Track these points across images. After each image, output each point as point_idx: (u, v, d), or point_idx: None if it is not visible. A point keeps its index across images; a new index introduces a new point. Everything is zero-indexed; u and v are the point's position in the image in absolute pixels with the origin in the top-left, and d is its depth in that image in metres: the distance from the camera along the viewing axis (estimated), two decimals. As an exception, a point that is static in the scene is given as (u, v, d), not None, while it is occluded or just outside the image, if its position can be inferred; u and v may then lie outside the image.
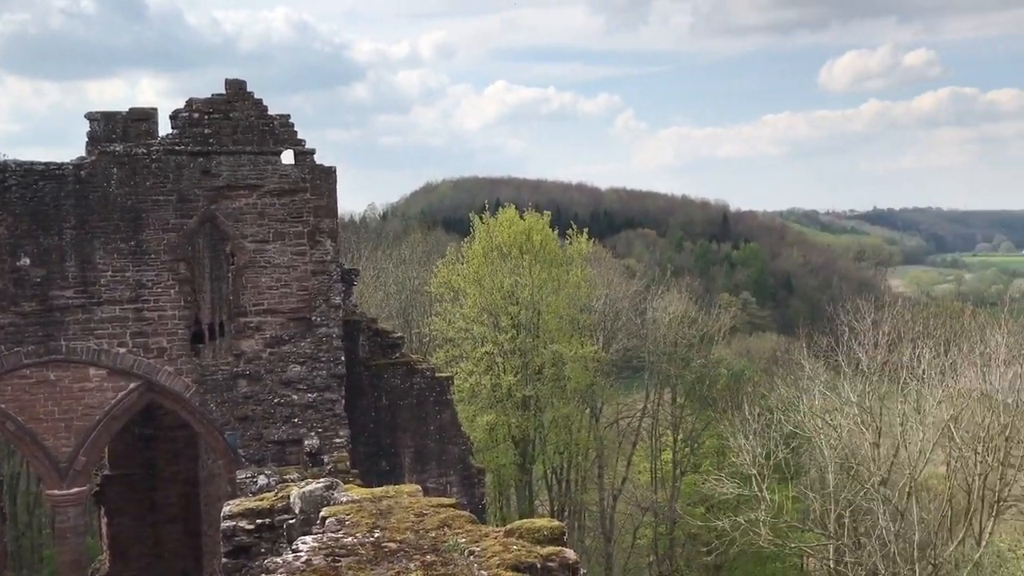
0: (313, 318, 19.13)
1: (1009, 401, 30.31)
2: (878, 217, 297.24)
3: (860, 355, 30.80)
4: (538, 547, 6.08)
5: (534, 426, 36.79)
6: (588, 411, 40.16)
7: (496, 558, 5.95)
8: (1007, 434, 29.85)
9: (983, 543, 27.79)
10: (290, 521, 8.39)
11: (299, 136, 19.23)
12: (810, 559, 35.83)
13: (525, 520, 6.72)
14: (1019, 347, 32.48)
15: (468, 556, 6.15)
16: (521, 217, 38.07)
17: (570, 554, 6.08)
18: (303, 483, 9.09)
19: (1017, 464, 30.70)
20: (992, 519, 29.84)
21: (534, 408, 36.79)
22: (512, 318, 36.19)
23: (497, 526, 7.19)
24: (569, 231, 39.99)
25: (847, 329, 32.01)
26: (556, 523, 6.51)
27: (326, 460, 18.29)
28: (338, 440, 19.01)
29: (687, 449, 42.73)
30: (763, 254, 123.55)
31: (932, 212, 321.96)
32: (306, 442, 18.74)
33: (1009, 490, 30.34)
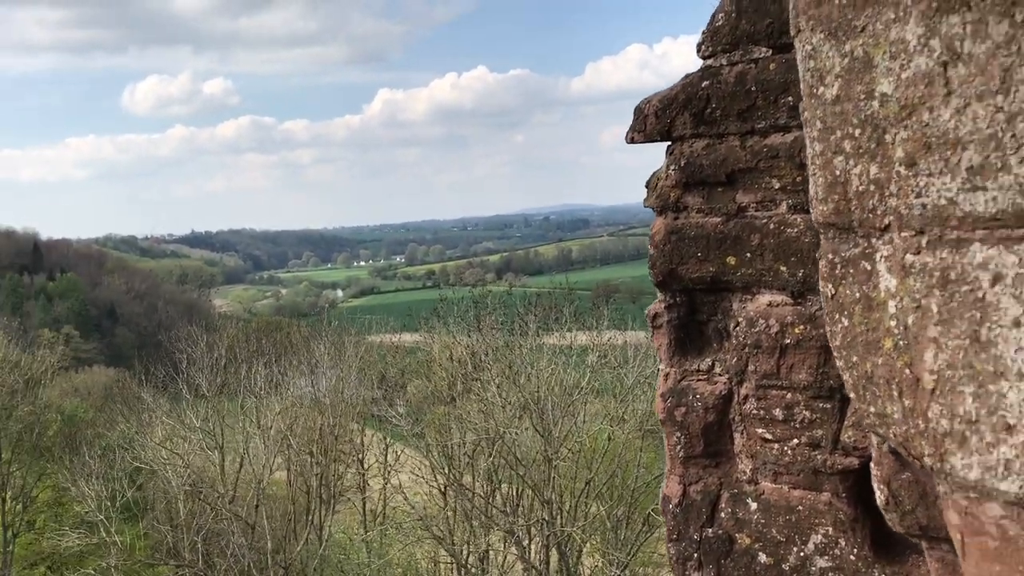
0: None
1: (332, 402, 33.98)
2: (196, 240, 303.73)
3: (200, 380, 31.32)
4: None
5: None
6: None
7: None
8: (335, 433, 33.38)
9: (324, 537, 30.52)
10: None
11: None
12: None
13: None
14: (337, 352, 36.58)
15: None
16: None
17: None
18: None
19: (345, 460, 34.57)
20: (330, 513, 33.06)
21: None
22: None
23: None
24: None
25: (184, 357, 32.25)
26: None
27: None
28: None
29: (19, 507, 38.48)
30: (82, 284, 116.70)
31: (246, 233, 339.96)
32: None
33: (342, 483, 33.96)
